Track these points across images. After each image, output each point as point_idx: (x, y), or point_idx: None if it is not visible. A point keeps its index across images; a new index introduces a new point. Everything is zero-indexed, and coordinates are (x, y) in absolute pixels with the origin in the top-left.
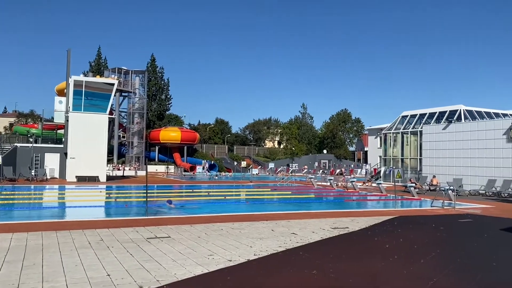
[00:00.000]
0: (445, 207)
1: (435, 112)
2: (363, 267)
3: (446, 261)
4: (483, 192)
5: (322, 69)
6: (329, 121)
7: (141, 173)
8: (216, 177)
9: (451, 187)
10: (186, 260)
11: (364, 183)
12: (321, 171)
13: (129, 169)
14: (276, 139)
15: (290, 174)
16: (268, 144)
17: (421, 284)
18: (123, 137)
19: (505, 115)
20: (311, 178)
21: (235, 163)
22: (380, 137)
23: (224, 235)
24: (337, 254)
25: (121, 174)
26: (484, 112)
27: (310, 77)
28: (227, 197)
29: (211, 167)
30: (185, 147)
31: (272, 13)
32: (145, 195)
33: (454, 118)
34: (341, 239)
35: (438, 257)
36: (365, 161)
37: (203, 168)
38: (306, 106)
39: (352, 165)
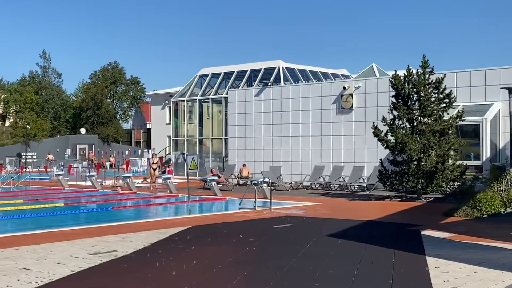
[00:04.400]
0: (259, 208)
1: (246, 70)
2: None
3: (255, 287)
4: (309, 183)
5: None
6: (89, 81)
7: None
8: None
9: (267, 179)
10: None
11: (145, 178)
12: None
13: None
14: None
15: (23, 170)
16: None
17: None
18: None
19: (335, 75)
20: (60, 175)
21: None
22: (169, 108)
23: None
24: None
25: None
26: (310, 71)
27: (55, 9)
28: None
29: None
30: None
31: None
32: None
33: (271, 80)
34: (104, 271)
35: (245, 282)
36: (148, 145)
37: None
38: (49, 55)
39: (127, 152)
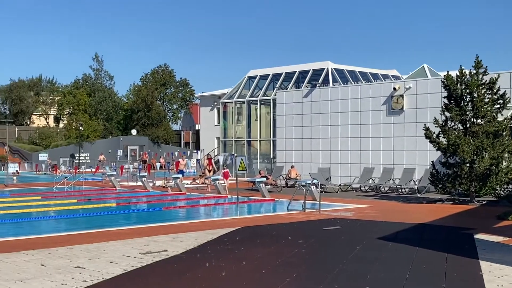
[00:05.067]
0: (307, 210)
1: (294, 72)
2: None
3: None
4: (358, 186)
5: (127, 3)
6: (140, 83)
7: None
8: None
9: (315, 181)
10: None
11: (194, 179)
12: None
13: None
14: (52, 112)
15: (76, 170)
16: (38, 122)
17: None
18: None
19: (385, 76)
20: (112, 175)
21: None
22: (218, 109)
23: None
24: None
25: None
26: (359, 72)
27: (108, 13)
28: None
29: None
30: None
31: None
32: None
33: (320, 81)
34: (156, 270)
35: (295, 284)
36: (197, 146)
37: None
38: (102, 58)
39: (176, 153)
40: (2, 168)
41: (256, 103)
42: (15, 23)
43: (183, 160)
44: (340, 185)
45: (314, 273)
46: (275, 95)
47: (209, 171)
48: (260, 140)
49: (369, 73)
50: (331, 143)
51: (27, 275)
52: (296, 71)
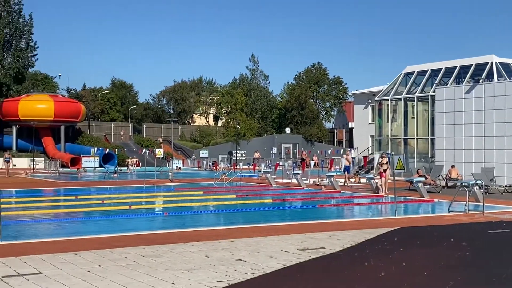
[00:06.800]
0: (470, 212)
1: (455, 67)
2: None
3: None
4: None
5: (282, 4)
6: (293, 82)
7: None
8: (115, 175)
9: (479, 182)
10: None
11: (348, 178)
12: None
13: None
14: (211, 111)
15: (234, 167)
16: (199, 121)
17: None
18: None
19: None
20: (267, 172)
21: (146, 151)
22: (372, 107)
23: (129, 267)
24: None
25: None
26: None
27: (263, 15)
28: (132, 207)
29: (107, 159)
30: (62, 127)
31: None
32: None
33: (483, 76)
34: (314, 267)
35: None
36: (350, 145)
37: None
38: (257, 59)
39: (330, 151)
40: (167, 164)
41: (413, 100)
42: (179, 28)
43: (347, 155)
44: (506, 186)
45: (480, 277)
46: (434, 91)
47: (385, 170)
48: (417, 139)
49: None
50: (496, 141)
51: (193, 266)
52: (456, 66)
